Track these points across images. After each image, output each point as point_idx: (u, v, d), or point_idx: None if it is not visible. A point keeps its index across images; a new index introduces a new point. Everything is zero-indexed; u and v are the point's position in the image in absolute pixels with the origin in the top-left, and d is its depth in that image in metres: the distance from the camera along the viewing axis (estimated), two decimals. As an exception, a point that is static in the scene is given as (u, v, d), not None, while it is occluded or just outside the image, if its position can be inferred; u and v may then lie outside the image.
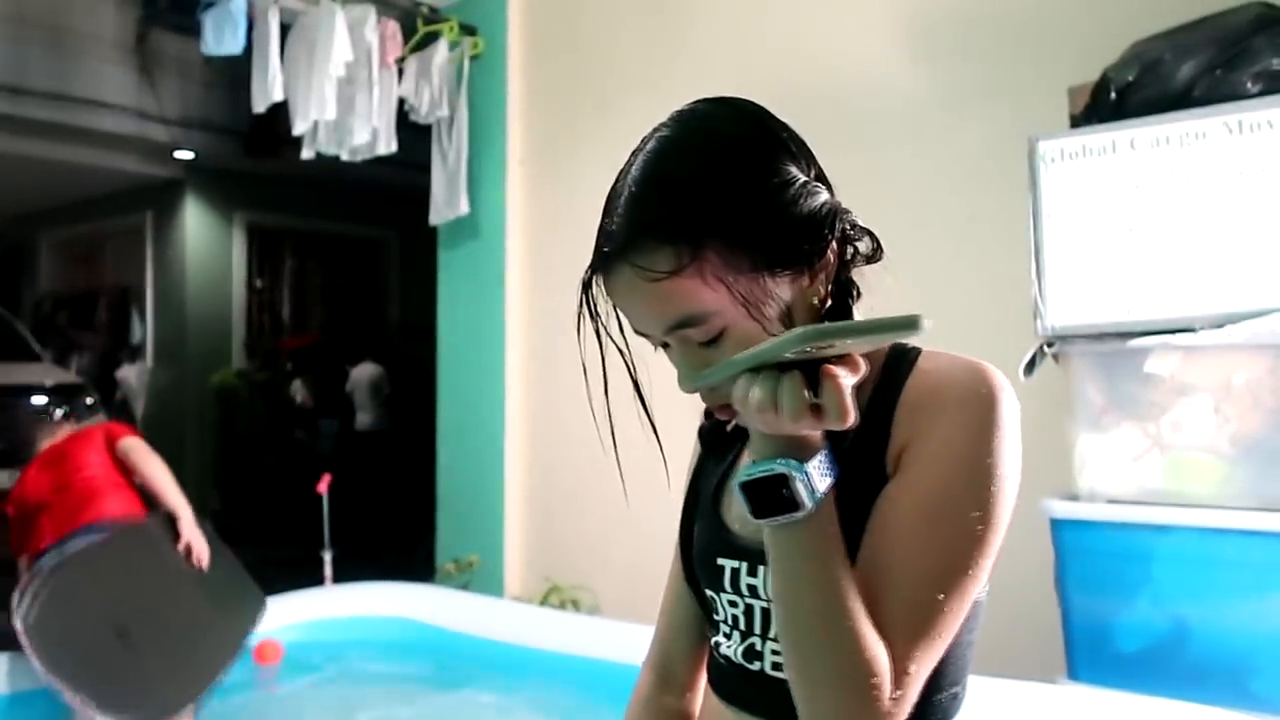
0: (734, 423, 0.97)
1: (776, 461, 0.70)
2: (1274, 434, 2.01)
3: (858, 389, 0.68)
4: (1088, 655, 2.17)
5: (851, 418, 0.66)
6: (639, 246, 0.76)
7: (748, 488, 0.72)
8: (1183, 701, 1.97)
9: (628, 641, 3.01)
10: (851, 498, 0.77)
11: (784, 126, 0.84)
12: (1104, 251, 2.18)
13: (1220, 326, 2.00)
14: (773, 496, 0.71)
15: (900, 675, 0.72)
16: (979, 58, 3.01)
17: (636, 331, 0.83)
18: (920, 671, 0.73)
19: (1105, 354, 2.17)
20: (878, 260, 0.86)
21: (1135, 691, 2.05)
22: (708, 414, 0.99)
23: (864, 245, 0.85)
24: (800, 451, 0.71)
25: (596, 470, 4.04)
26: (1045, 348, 2.22)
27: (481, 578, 4.23)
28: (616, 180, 0.82)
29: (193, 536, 2.83)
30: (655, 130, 0.83)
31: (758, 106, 0.84)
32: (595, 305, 0.83)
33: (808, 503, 0.70)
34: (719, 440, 0.97)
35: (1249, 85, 2.06)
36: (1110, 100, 2.24)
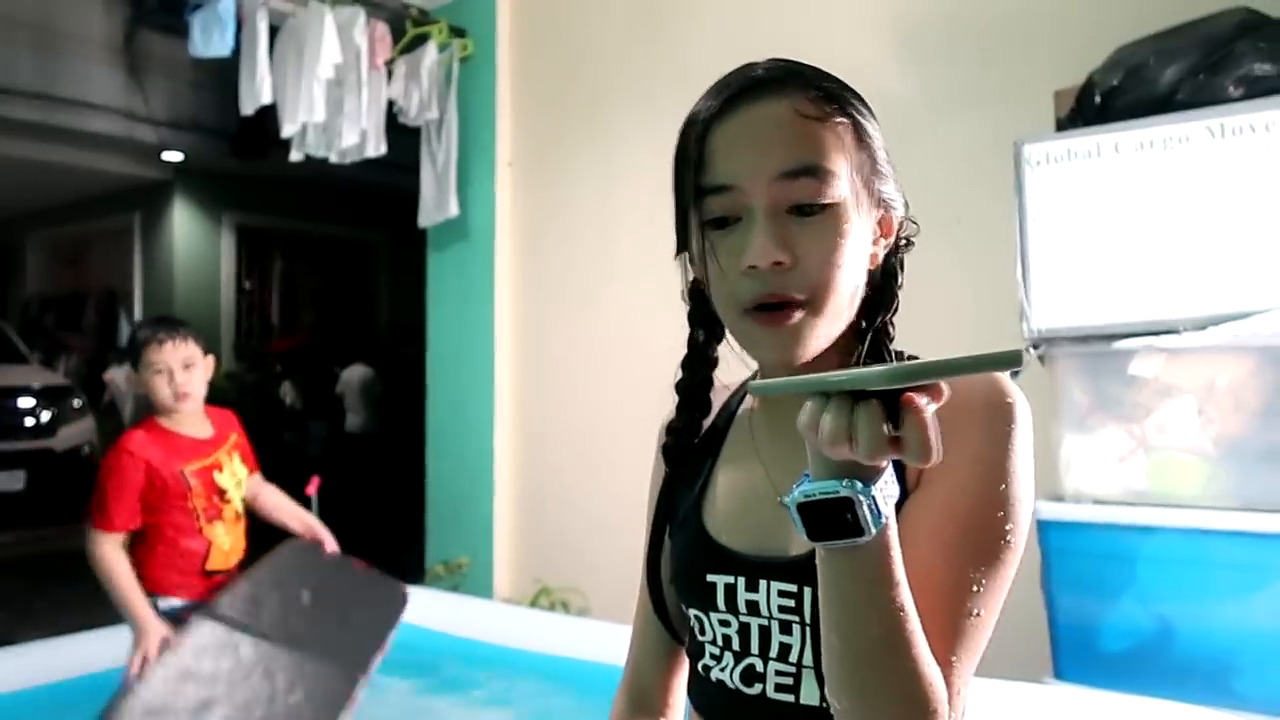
0: (703, 435, 0.94)
1: (840, 483, 0.64)
2: (1256, 435, 2.03)
3: None
4: (1074, 655, 2.18)
5: (936, 455, 0.59)
6: (795, 84, 0.78)
7: (807, 509, 0.65)
8: (1167, 701, 1.99)
9: (617, 642, 3.01)
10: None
11: None
12: (1089, 254, 2.19)
13: (1204, 329, 2.01)
14: (833, 519, 0.65)
15: (953, 696, 0.71)
16: (966, 61, 3.03)
17: (718, 188, 0.77)
18: (966, 690, 0.73)
19: (1090, 356, 2.19)
20: (908, 249, 0.88)
21: (1121, 691, 2.07)
22: (669, 430, 0.96)
23: (912, 236, 0.88)
24: (863, 470, 0.64)
25: (586, 472, 4.05)
26: (1031, 349, 2.23)
27: (471, 579, 4.23)
28: (740, 68, 0.82)
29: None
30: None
31: None
32: (697, 146, 0.79)
33: (872, 528, 0.64)
34: (685, 459, 0.94)
35: (1231, 89, 2.08)
36: (1095, 104, 2.26)
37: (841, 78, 0.84)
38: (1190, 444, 2.09)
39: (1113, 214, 2.17)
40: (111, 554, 2.31)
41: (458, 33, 4.30)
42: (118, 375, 8.74)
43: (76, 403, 7.65)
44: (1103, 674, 2.13)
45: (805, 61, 0.82)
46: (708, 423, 0.95)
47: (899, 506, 0.73)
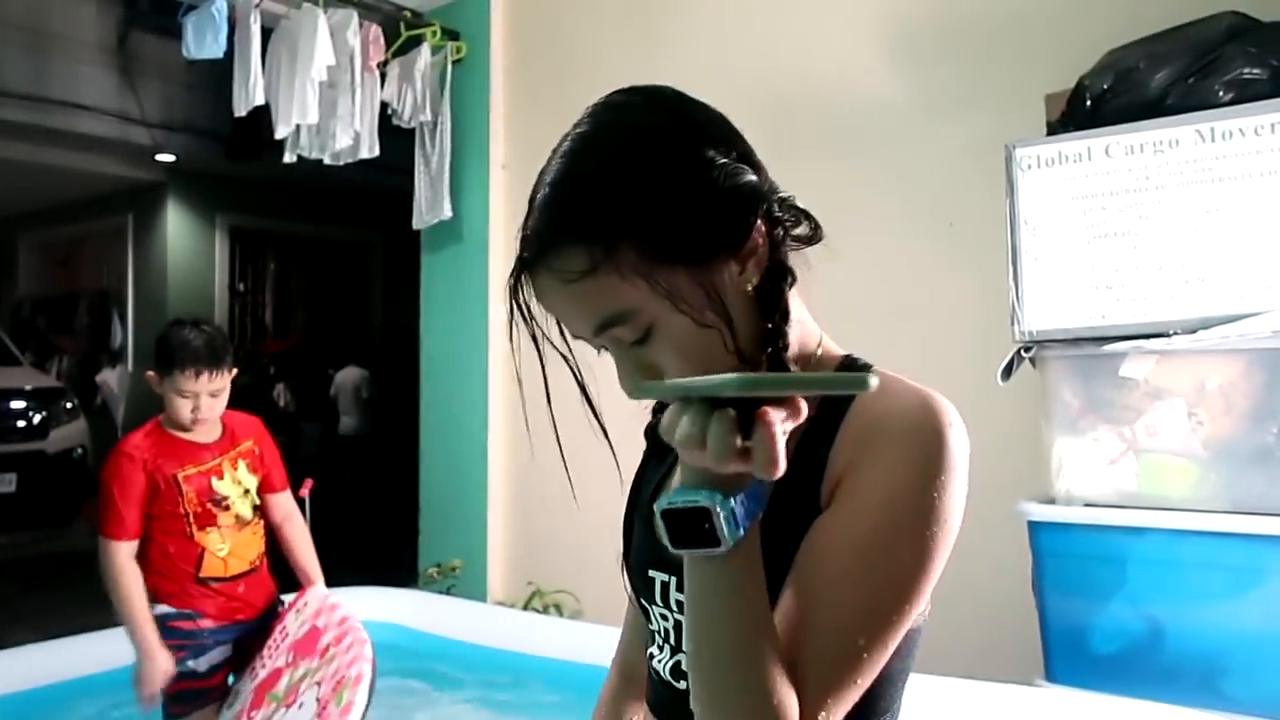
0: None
1: (700, 493, 0.64)
2: (1246, 437, 2.03)
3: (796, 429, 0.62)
4: (1065, 657, 2.19)
5: (779, 470, 0.59)
6: (554, 249, 0.74)
7: (668, 516, 0.66)
8: (1157, 702, 2.00)
9: (610, 645, 3.01)
10: (780, 523, 0.73)
11: (702, 108, 0.81)
12: (1080, 257, 2.20)
13: (1194, 331, 2.02)
14: (693, 528, 0.65)
15: None
16: (957, 65, 3.04)
17: (574, 335, 0.81)
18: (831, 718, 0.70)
19: (1081, 358, 2.20)
20: (817, 242, 0.82)
21: (1112, 693, 2.07)
22: (655, 411, 0.96)
23: (801, 229, 0.81)
24: (727, 483, 0.64)
25: (579, 475, 4.04)
26: (1023, 352, 2.24)
27: (464, 582, 4.22)
28: (535, 182, 0.80)
29: None
30: (573, 127, 0.82)
31: (673, 91, 0.82)
32: (528, 309, 0.79)
33: (728, 540, 0.64)
34: (661, 441, 0.95)
35: (1220, 93, 2.09)
36: (1086, 107, 2.27)
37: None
38: (1181, 446, 2.10)
39: (1104, 217, 2.18)
40: (127, 569, 2.26)
41: (451, 35, 4.30)
42: (110, 377, 8.72)
43: (68, 405, 7.63)
44: (1094, 676, 2.13)
45: (559, 178, 0.78)
46: None
47: (806, 520, 0.74)
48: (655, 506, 0.67)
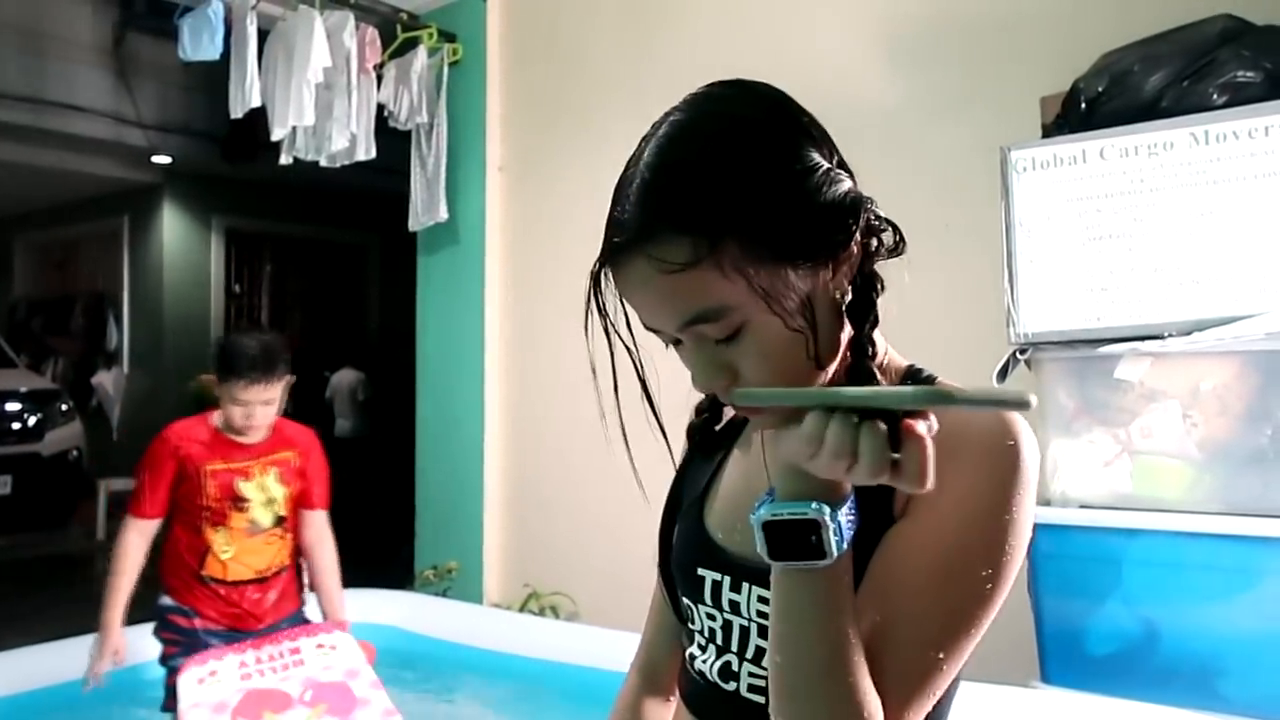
0: (725, 423, 0.93)
1: (809, 505, 0.64)
2: (1241, 439, 2.04)
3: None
4: (1061, 658, 2.19)
5: (930, 484, 0.60)
6: (654, 237, 0.71)
7: (771, 527, 0.65)
8: (1153, 704, 2.00)
9: (606, 647, 3.01)
10: (856, 533, 0.72)
11: (804, 111, 0.79)
12: (1075, 259, 2.21)
13: (1189, 333, 2.03)
14: (796, 539, 0.65)
15: None
16: (953, 67, 3.05)
17: (646, 327, 0.77)
18: None
19: (1076, 360, 2.20)
20: (900, 254, 0.81)
21: (1107, 694, 2.08)
22: (699, 410, 0.96)
23: (887, 238, 0.80)
24: (833, 495, 0.64)
25: (575, 477, 4.05)
26: (1018, 354, 2.25)
27: (460, 584, 4.22)
28: (627, 166, 0.76)
29: None
30: (668, 114, 0.77)
31: (776, 89, 0.79)
32: (603, 301, 0.77)
33: (834, 552, 0.65)
34: (708, 439, 0.94)
35: (1215, 96, 2.10)
36: (1081, 110, 2.28)
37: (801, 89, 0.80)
38: (1175, 448, 2.11)
39: (1099, 219, 2.19)
40: (130, 546, 2.34)
41: (448, 37, 4.30)
42: (105, 379, 8.71)
43: (64, 407, 7.61)
44: (1089, 677, 2.14)
45: (683, 154, 0.74)
46: (730, 412, 0.94)
47: (881, 533, 0.74)
48: (753, 517, 0.66)
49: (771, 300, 0.71)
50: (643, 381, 0.81)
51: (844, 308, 0.76)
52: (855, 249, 0.75)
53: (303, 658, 2.37)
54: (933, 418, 0.61)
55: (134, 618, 2.42)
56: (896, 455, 0.60)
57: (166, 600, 2.38)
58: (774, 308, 0.71)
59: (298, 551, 2.53)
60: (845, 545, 0.66)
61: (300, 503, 2.50)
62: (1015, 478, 0.72)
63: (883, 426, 0.60)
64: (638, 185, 0.74)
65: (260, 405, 2.34)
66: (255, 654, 2.36)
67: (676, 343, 0.77)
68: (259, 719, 2.22)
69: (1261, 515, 1.96)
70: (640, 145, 0.76)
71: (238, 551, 2.39)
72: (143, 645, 2.48)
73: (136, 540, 2.34)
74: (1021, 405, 0.56)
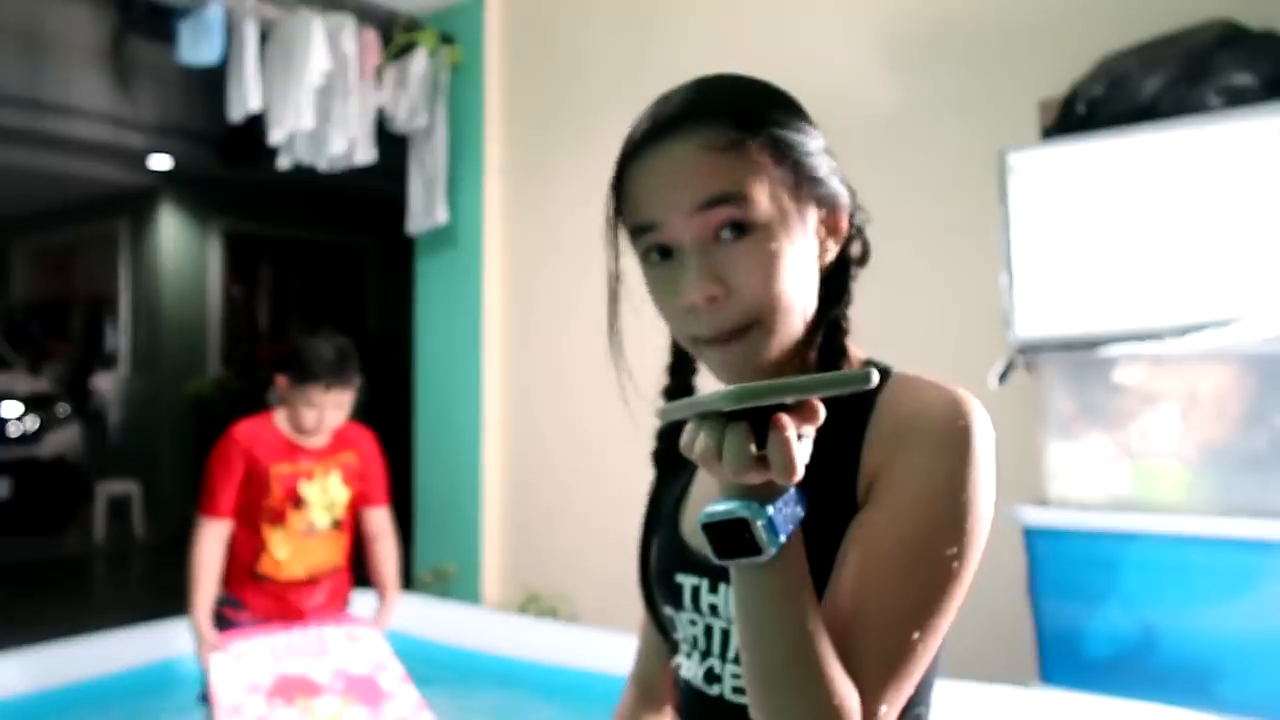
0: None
1: (736, 504, 0.66)
2: (1238, 441, 2.05)
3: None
4: (1059, 659, 2.20)
5: (798, 474, 0.62)
6: (700, 118, 0.77)
7: (709, 529, 0.67)
8: (1151, 704, 2.01)
9: (605, 650, 3.02)
10: (819, 525, 0.74)
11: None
12: (1073, 262, 2.22)
13: (1186, 336, 2.04)
14: (734, 538, 0.67)
15: (869, 717, 0.70)
16: (951, 71, 3.06)
17: (666, 208, 0.78)
18: (891, 712, 0.72)
19: (1075, 363, 2.21)
20: (864, 264, 0.87)
21: (1106, 694, 2.08)
22: (658, 436, 0.99)
23: (856, 248, 0.87)
24: (761, 492, 0.66)
25: (574, 479, 4.05)
26: (1017, 357, 2.25)
27: (459, 587, 4.22)
28: (661, 97, 0.82)
29: None
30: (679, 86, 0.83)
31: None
32: (618, 207, 0.83)
33: (770, 548, 0.66)
34: (673, 459, 0.95)
35: (1212, 100, 2.11)
36: (1079, 114, 2.29)
37: (788, 86, 0.84)
38: (1173, 450, 2.11)
39: (1096, 222, 2.19)
40: (205, 550, 2.33)
41: (447, 40, 4.31)
42: (104, 383, 8.70)
43: (62, 410, 7.61)
44: (1088, 678, 2.14)
45: (730, 76, 0.83)
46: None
47: (846, 521, 0.76)
48: (696, 520, 0.68)
49: (784, 209, 0.77)
50: (613, 293, 0.88)
51: (823, 275, 0.82)
52: (844, 228, 0.83)
53: (331, 648, 2.40)
54: (819, 409, 0.63)
55: (174, 609, 2.41)
56: (763, 452, 0.62)
57: (219, 592, 2.39)
58: (781, 224, 0.77)
59: (352, 552, 2.55)
60: (783, 538, 0.67)
61: (360, 502, 2.53)
62: (967, 456, 0.74)
63: (743, 425, 0.62)
64: (686, 87, 0.81)
65: (332, 409, 2.36)
66: (286, 639, 2.38)
67: (666, 256, 0.79)
68: (292, 702, 2.25)
69: (1258, 517, 1.97)
70: (670, 91, 0.82)
71: (293, 551, 2.42)
72: (178, 641, 2.47)
73: (212, 543, 2.34)
74: (860, 383, 0.57)
